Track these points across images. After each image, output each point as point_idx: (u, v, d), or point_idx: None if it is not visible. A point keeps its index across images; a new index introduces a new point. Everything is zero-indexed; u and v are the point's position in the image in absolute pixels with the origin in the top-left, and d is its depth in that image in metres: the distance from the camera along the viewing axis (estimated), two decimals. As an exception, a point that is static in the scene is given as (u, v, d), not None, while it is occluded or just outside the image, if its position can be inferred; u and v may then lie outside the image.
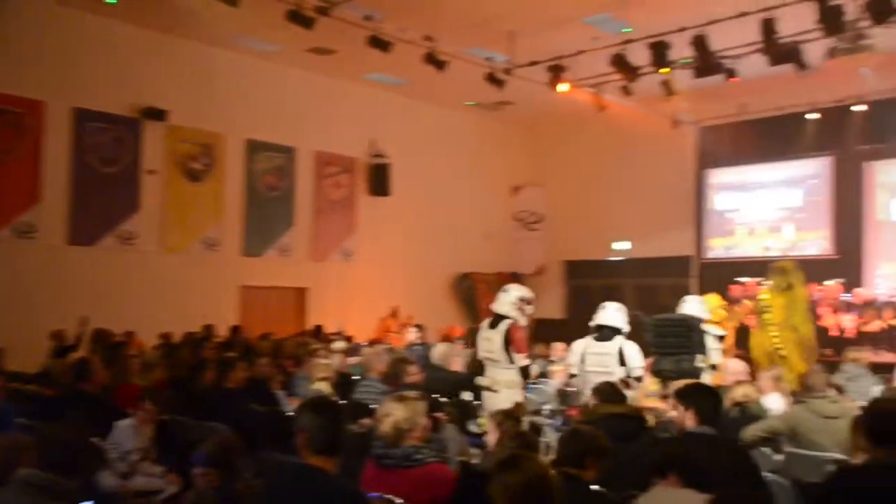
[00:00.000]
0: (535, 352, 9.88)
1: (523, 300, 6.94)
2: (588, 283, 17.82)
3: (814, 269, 13.69)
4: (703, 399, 4.37)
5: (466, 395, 7.13)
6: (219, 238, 13.32)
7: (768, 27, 9.54)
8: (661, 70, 11.16)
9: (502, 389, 6.69)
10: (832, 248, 14.78)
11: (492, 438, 4.77)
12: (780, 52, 10.15)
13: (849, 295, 13.11)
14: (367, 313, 14.44)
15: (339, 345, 10.08)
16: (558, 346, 10.11)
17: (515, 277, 17.97)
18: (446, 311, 16.31)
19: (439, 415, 5.47)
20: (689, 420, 4.26)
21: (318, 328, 13.20)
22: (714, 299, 11.43)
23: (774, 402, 6.33)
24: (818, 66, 10.76)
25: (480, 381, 6.98)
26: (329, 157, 15.03)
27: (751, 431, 5.34)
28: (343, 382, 7.63)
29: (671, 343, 7.84)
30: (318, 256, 14.78)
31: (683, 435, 4.30)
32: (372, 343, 11.20)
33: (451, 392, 7.07)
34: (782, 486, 4.41)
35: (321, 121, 14.61)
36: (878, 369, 8.80)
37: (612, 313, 7.11)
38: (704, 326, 8.01)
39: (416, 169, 15.90)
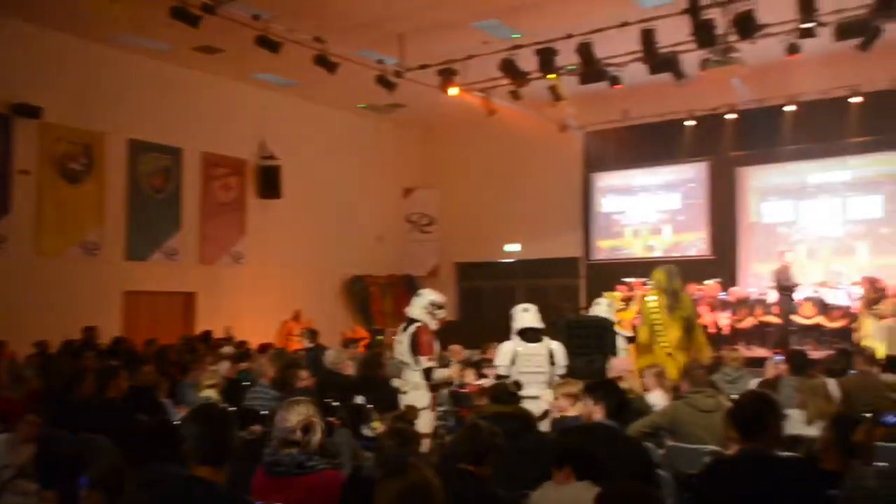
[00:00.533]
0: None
1: (434, 304, 7.20)
2: (480, 284, 18.11)
3: (693, 270, 14.34)
4: (611, 394, 4.53)
5: (359, 399, 7.12)
6: (99, 242, 12.74)
7: (648, 37, 9.95)
8: (549, 76, 11.45)
9: (410, 391, 6.88)
10: (709, 248, 15.52)
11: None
12: (659, 61, 10.60)
13: (725, 293, 13.82)
14: (259, 317, 14.18)
15: (228, 350, 9.85)
16: (454, 349, 10.19)
17: (408, 280, 18.08)
18: (339, 314, 16.21)
19: (332, 419, 5.44)
20: (596, 414, 4.40)
21: (207, 333, 12.86)
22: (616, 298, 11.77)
23: (657, 398, 6.58)
24: (694, 75, 11.30)
25: (395, 382, 7.19)
26: (217, 158, 14.65)
27: (635, 427, 5.52)
28: (232, 389, 7.47)
29: (584, 344, 8.19)
30: (207, 260, 14.38)
31: (580, 427, 4.45)
32: (262, 348, 10.99)
33: (344, 396, 7.06)
34: (664, 478, 4.61)
35: (209, 121, 14.23)
36: (752, 363, 9.34)
37: (535, 315, 7.32)
38: (616, 328, 8.45)
39: (307, 171, 15.71)
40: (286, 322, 14.40)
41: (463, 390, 8.31)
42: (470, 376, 8.80)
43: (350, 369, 8.32)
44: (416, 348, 6.95)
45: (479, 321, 15.28)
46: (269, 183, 15.22)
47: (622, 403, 4.59)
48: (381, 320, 16.95)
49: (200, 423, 3.08)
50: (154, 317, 13.41)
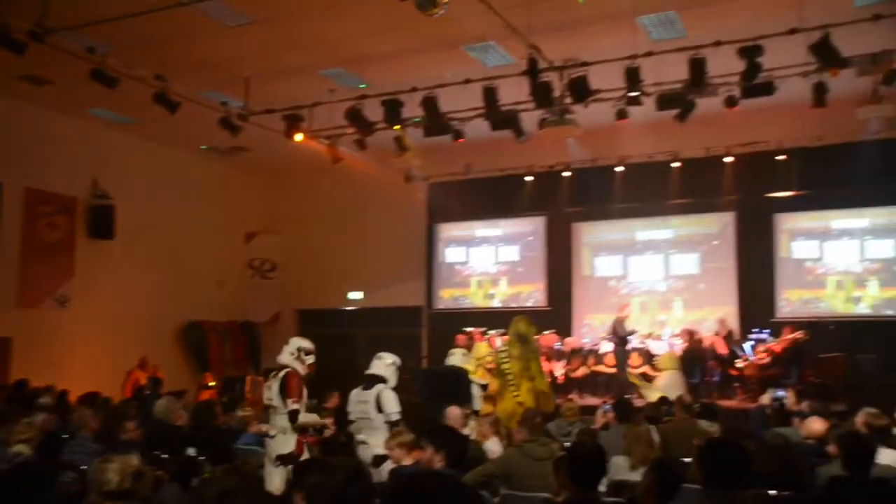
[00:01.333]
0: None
1: (301, 350, 7.32)
2: (323, 332, 17.81)
3: (531, 320, 14.87)
4: (454, 442, 4.53)
5: (191, 451, 6.80)
6: None
7: (489, 95, 10.35)
8: (395, 127, 11.64)
9: (278, 434, 6.91)
10: (545, 300, 16.13)
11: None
12: (500, 118, 11.05)
13: (560, 344, 14.37)
14: (85, 366, 13.26)
15: (46, 401, 9.15)
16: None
17: (248, 326, 17.59)
18: (175, 361, 15.48)
19: (160, 473, 5.17)
20: (437, 462, 4.39)
21: (21, 383, 11.86)
22: (483, 348, 11.90)
23: (493, 446, 6.72)
24: (533, 133, 11.85)
25: (262, 426, 7.34)
26: (43, 195, 13.75)
27: (470, 475, 5.59)
28: (49, 442, 6.92)
29: (440, 392, 8.57)
30: (27, 303, 13.36)
31: (416, 474, 4.43)
32: (85, 398, 10.27)
33: (175, 448, 6.72)
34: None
35: (35, 155, 13.36)
36: (585, 412, 9.73)
37: (381, 363, 7.59)
38: (471, 377, 8.84)
39: (144, 211, 15.05)
40: (132, 371, 13.58)
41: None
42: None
43: (183, 419, 7.95)
44: (284, 392, 7.02)
45: (320, 369, 14.97)
46: (102, 223, 14.43)
47: (463, 451, 4.63)
48: (219, 368, 16.36)
49: (8, 484, 2.85)
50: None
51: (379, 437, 6.81)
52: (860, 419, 6.82)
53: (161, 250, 15.46)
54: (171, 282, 15.58)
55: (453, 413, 7.18)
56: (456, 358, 9.13)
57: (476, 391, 8.85)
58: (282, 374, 7.16)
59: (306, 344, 7.39)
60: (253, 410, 10.36)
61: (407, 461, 5.26)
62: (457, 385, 8.81)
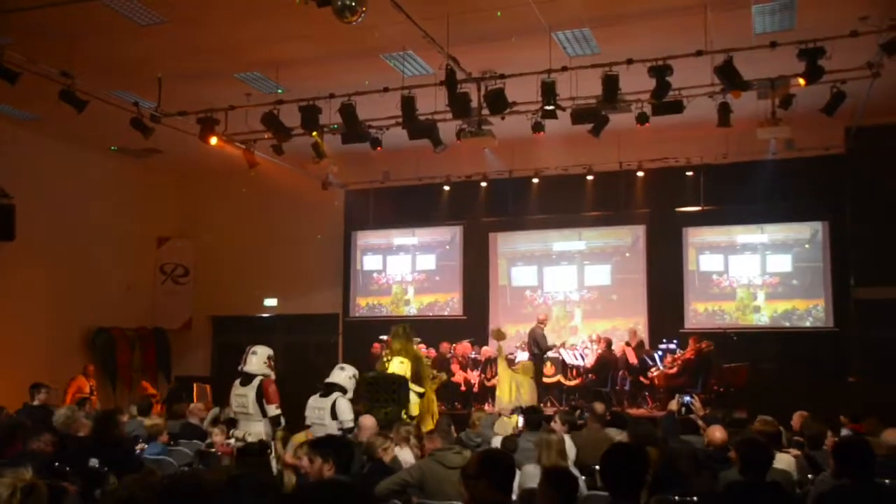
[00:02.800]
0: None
1: (271, 358, 7.82)
2: (237, 339, 17.48)
3: (447, 329, 14.99)
4: (340, 450, 4.52)
5: (94, 462, 6.57)
6: None
7: (407, 104, 10.37)
8: (312, 133, 11.54)
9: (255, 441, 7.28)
10: (462, 309, 16.24)
11: None
12: (418, 128, 11.08)
13: (476, 353, 14.47)
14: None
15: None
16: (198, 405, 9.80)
17: (159, 332, 17.10)
18: (80, 368, 14.87)
19: (65, 484, 5.00)
20: (326, 471, 4.37)
21: None
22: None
23: (406, 456, 6.72)
24: (451, 143, 11.94)
25: (235, 432, 7.68)
26: (-64, 193, 13.06)
27: (383, 485, 5.59)
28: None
29: (381, 398, 9.17)
30: (-84, 308, 12.69)
31: (314, 484, 4.40)
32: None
33: (78, 459, 6.48)
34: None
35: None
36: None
37: (339, 372, 7.94)
38: (409, 385, 9.50)
39: (48, 213, 14.45)
40: (75, 378, 13.12)
41: (212, 450, 7.95)
42: (218, 435, 8.41)
43: (85, 430, 7.67)
44: (263, 399, 7.53)
45: (234, 377, 14.67)
46: (1, 223, 13.79)
47: (350, 457, 4.65)
48: (127, 375, 15.88)
49: None
50: None
51: None
52: (755, 426, 7.15)
53: (67, 253, 14.88)
54: (77, 286, 15.02)
55: (367, 422, 7.18)
56: (394, 365, 9.62)
57: (413, 398, 9.45)
58: (256, 381, 7.58)
59: (271, 352, 7.85)
60: (163, 420, 10.09)
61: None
62: (396, 391, 9.28)
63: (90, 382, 13.26)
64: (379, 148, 12.02)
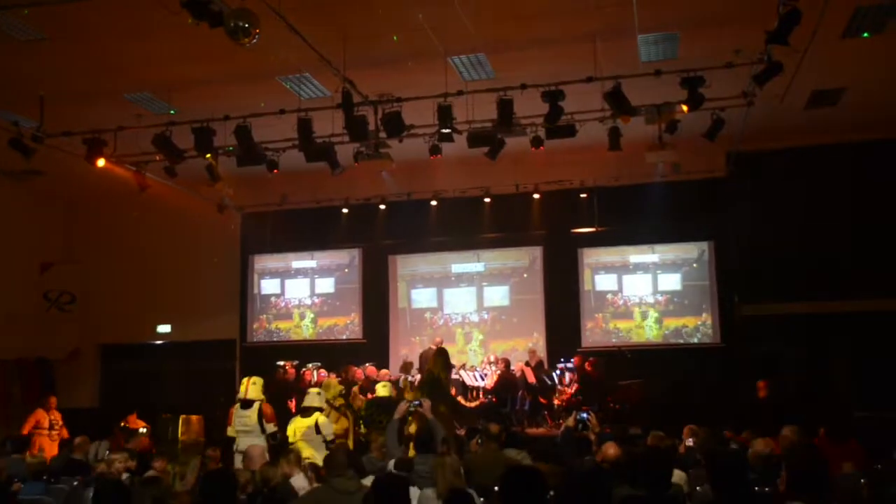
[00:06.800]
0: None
1: (263, 385, 9.92)
2: (128, 367, 16.84)
3: (346, 353, 14.85)
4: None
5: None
6: None
7: (304, 127, 10.29)
8: (206, 155, 11.28)
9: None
10: (361, 332, 16.13)
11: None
12: (315, 150, 11.00)
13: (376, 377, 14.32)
14: None
15: None
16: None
17: (42, 363, 16.23)
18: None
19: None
20: None
21: None
22: (334, 385, 11.66)
23: (299, 482, 6.60)
24: (349, 166, 11.90)
25: (237, 447, 9.42)
26: None
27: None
28: None
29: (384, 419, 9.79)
30: None
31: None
32: None
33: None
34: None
35: None
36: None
37: (313, 396, 9.82)
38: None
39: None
40: (37, 410, 12.68)
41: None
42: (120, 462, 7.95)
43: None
44: (263, 419, 9.55)
45: (124, 407, 14.11)
46: None
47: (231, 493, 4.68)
48: (6, 410, 15.00)
49: None
50: None
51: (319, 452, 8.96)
52: (649, 441, 7.36)
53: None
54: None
55: (254, 452, 7.09)
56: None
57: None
58: (257, 405, 9.63)
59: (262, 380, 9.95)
60: (43, 455, 9.62)
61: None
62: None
63: (51, 416, 12.65)
64: (276, 171, 11.84)
